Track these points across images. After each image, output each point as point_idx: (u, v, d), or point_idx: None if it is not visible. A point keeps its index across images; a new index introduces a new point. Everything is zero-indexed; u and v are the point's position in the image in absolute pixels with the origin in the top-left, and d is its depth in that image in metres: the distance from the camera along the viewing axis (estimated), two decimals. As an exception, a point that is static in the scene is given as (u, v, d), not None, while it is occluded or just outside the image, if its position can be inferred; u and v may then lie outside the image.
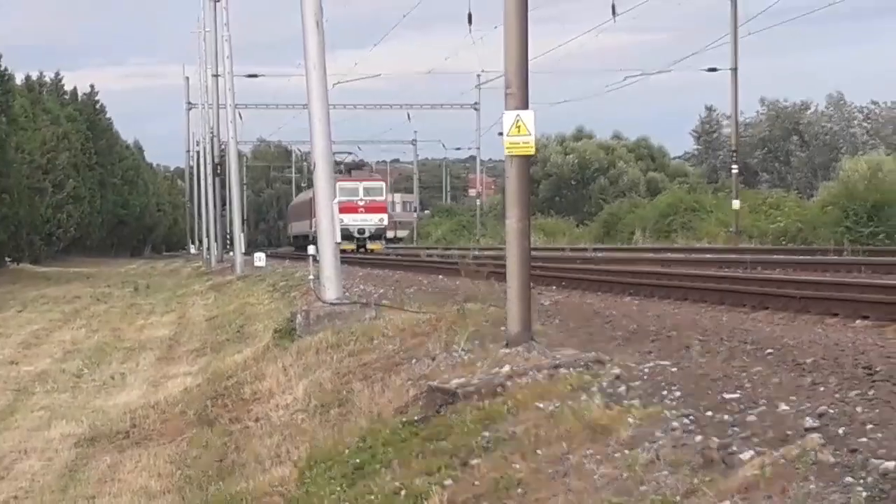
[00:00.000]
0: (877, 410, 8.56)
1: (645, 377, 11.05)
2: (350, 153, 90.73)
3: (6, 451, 18.58)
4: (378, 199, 77.73)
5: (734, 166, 61.83)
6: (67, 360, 29.81)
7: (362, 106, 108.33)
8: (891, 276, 24.88)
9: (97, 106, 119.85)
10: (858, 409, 8.64)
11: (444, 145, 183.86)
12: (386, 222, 79.02)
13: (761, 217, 61.42)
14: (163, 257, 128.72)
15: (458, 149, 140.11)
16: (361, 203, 74.60)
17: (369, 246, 73.43)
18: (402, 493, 9.98)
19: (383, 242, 77.91)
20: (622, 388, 10.73)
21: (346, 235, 67.86)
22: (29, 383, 26.01)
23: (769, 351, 12.40)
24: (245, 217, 72.15)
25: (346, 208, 67.73)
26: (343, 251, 63.77)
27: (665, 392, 10.21)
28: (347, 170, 78.77)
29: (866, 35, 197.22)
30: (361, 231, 74.41)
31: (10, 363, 29.60)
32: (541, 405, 10.78)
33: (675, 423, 9.05)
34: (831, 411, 8.49)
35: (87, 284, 63.80)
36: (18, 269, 79.80)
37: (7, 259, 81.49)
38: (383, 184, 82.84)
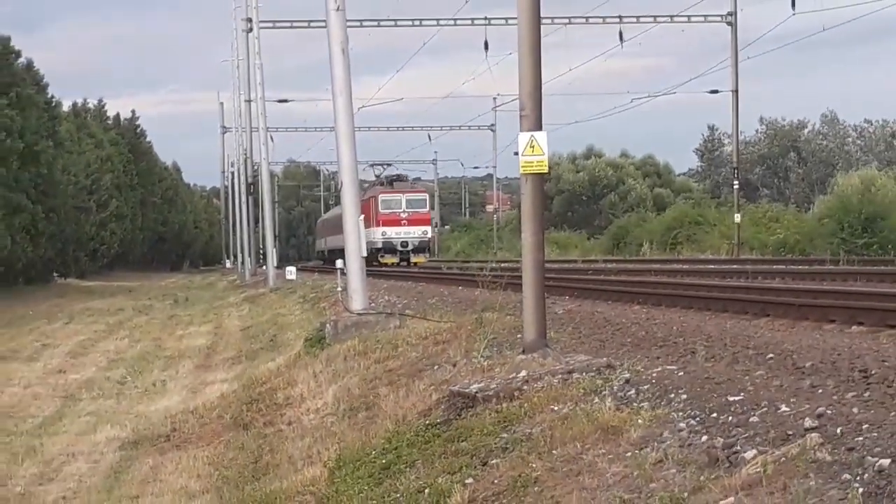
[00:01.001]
0: (872, 411, 8.53)
1: (653, 381, 11.02)
2: (390, 164, 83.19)
3: (55, 454, 18.62)
4: (421, 210, 71.09)
5: (735, 182, 61.76)
6: (112, 369, 29.87)
7: (385, 128, 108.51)
8: (884, 284, 24.83)
9: (138, 130, 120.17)
10: (855, 409, 8.61)
11: (462, 164, 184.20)
12: (430, 234, 72.97)
13: (762, 230, 61.32)
14: (200, 271, 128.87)
15: (476, 167, 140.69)
16: (404, 215, 68.93)
17: (413, 259, 67.81)
18: (426, 491, 9.98)
19: (427, 255, 71.61)
20: (632, 392, 10.72)
21: (389, 249, 67.70)
22: (76, 390, 26.07)
23: (770, 356, 12.38)
24: (277, 233, 71.26)
25: (388, 221, 67.85)
26: (385, 265, 60.38)
27: (672, 395, 10.19)
28: (389, 182, 73.23)
29: (857, 59, 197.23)
30: (405, 244, 68.65)
31: (59, 371, 29.68)
32: (555, 408, 10.77)
33: (681, 425, 9.04)
34: (829, 412, 8.47)
35: (129, 297, 63.92)
36: (65, 283, 80.00)
37: (55, 274, 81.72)
38: (427, 195, 75.99)
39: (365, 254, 25.63)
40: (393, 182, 72.60)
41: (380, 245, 67.19)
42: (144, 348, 35.10)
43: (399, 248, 68.12)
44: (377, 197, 68.83)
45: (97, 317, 49.13)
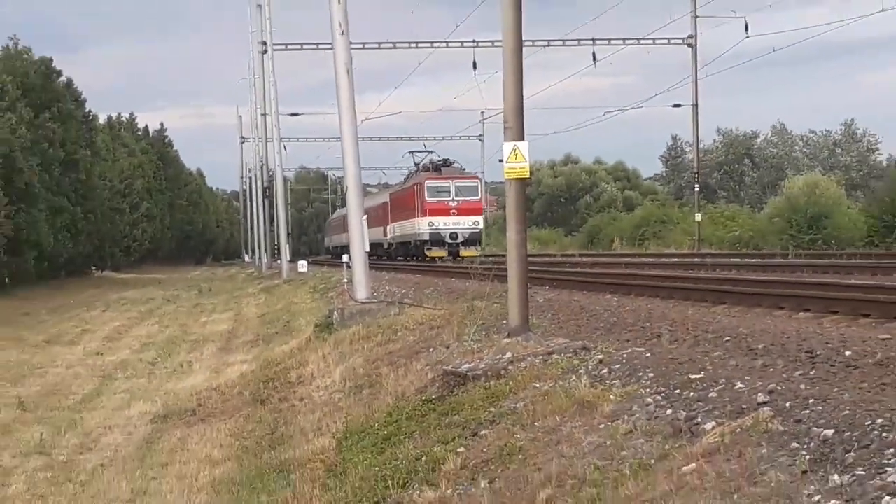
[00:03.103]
0: (817, 387, 8.55)
1: (623, 361, 11.03)
2: (432, 151, 65.44)
3: (94, 427, 18.61)
4: (473, 199, 55.96)
5: (696, 185, 61.83)
6: (143, 351, 29.85)
7: (386, 138, 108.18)
8: (828, 275, 24.84)
9: (166, 140, 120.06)
10: (802, 386, 8.62)
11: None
12: (481, 226, 57.06)
13: (719, 227, 61.34)
14: (222, 265, 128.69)
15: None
16: (454, 204, 54.71)
17: (462, 253, 53.02)
18: (423, 459, 9.98)
19: (479, 248, 55.58)
20: (605, 371, 10.73)
21: (437, 241, 54.70)
22: (112, 371, 26.06)
23: (727, 339, 12.38)
24: (289, 231, 70.58)
25: (436, 210, 54.61)
26: (433, 259, 53.33)
27: (640, 374, 10.20)
28: (436, 167, 58.12)
29: (803, 76, 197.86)
30: (454, 236, 54.35)
31: (96, 354, 29.67)
32: (537, 385, 10.78)
33: (649, 400, 9.05)
34: (779, 388, 8.48)
35: (159, 288, 63.86)
36: (102, 276, 79.97)
37: (93, 268, 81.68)
38: (479, 182, 59.37)
39: (367, 249, 25.64)
40: (440, 167, 57.90)
41: (426, 237, 55.14)
42: (172, 333, 35.07)
43: (448, 240, 54.55)
44: (423, 184, 55.85)
45: (130, 305, 49.13)
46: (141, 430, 18.04)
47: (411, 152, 65.46)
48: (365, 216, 25.83)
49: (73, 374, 25.84)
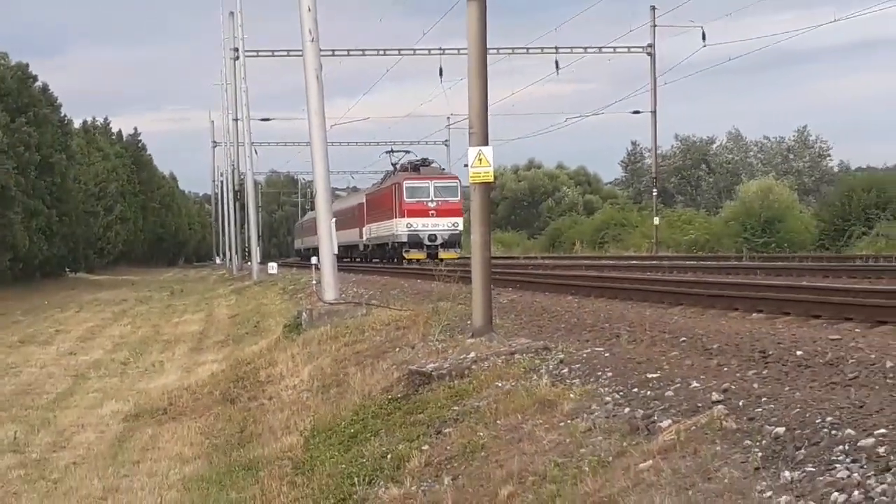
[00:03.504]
0: (770, 386, 8.58)
1: (583, 361, 11.05)
2: (408, 151, 62.99)
3: (66, 426, 18.50)
4: (452, 200, 52.91)
5: (654, 190, 62.07)
6: (116, 351, 29.70)
7: (354, 143, 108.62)
8: (780, 277, 24.97)
9: (139, 144, 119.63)
10: (755, 385, 8.66)
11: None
12: (461, 227, 52.35)
13: (676, 231, 61.68)
14: (193, 267, 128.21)
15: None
16: (432, 205, 51.83)
17: (441, 255, 48.75)
18: (388, 456, 9.97)
19: (458, 250, 52.05)
20: (565, 370, 10.74)
21: (416, 243, 51.92)
22: (85, 370, 25.91)
23: (683, 339, 12.42)
24: (260, 233, 70.17)
25: (414, 211, 51.93)
26: (410, 261, 49.71)
27: (599, 373, 10.21)
28: (414, 167, 55.50)
29: (757, 84, 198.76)
30: (433, 238, 51.48)
31: (70, 354, 29.50)
32: (500, 384, 10.77)
33: (607, 398, 9.06)
34: (733, 387, 8.51)
35: (132, 290, 63.58)
36: (76, 277, 79.57)
37: (67, 269, 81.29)
38: (458, 182, 54.35)
39: (336, 252, 25.60)
40: (419, 167, 55.15)
41: (405, 238, 52.43)
42: (145, 333, 34.92)
43: (426, 242, 51.67)
44: (401, 184, 53.14)
45: (104, 306, 48.88)
46: (113, 429, 17.94)
47: (388, 152, 62.81)
48: (334, 219, 25.79)
49: (47, 373, 25.67)
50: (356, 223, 64.17)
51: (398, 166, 57.62)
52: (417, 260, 50.06)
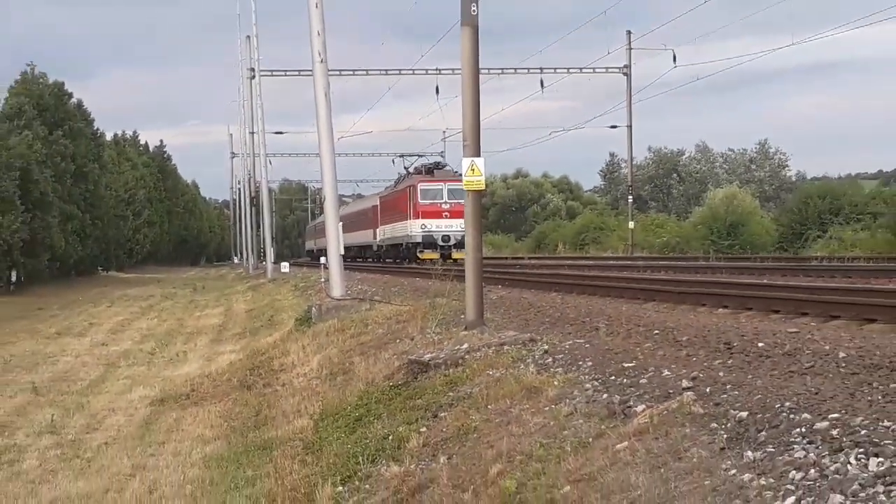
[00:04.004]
0: (734, 374, 8.58)
1: (566, 351, 11.04)
2: (421, 155, 57.95)
3: (99, 409, 18.49)
4: (464, 201, 37.94)
5: (630, 196, 61.98)
6: (144, 342, 29.68)
7: (359, 154, 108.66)
8: (743, 276, 24.96)
9: (165, 155, 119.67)
10: (721, 373, 8.65)
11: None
12: None
13: (650, 234, 61.66)
14: (214, 266, 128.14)
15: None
16: (446, 206, 48.19)
17: (454, 255, 45.89)
18: (390, 437, 9.96)
19: None
20: (549, 360, 10.73)
21: (429, 243, 48.55)
22: (115, 359, 25.90)
23: (656, 332, 12.41)
24: (274, 236, 70.00)
25: (428, 212, 48.81)
26: (423, 261, 44.56)
27: (580, 362, 10.21)
28: (428, 170, 52.03)
29: (723, 101, 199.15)
30: (446, 238, 47.91)
31: (102, 345, 29.50)
32: (490, 372, 10.77)
33: (587, 385, 9.05)
34: (701, 375, 8.51)
35: (158, 287, 63.52)
36: (107, 275, 79.53)
37: (99, 268, 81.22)
38: None
39: (342, 252, 25.58)
40: (433, 170, 51.67)
41: (419, 239, 48.93)
42: (170, 326, 34.90)
43: (440, 242, 48.03)
44: (416, 186, 49.64)
45: (132, 302, 48.83)
46: (141, 412, 17.93)
47: (401, 156, 58.36)
48: (341, 223, 25.78)
49: (81, 362, 25.66)
50: (370, 225, 61.87)
51: (412, 169, 53.89)
52: (431, 260, 45.24)
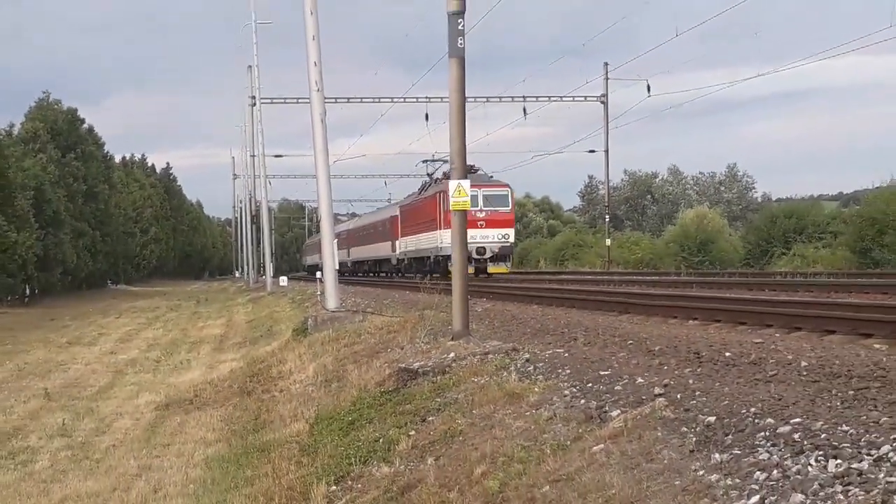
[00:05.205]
0: (703, 382, 8.60)
1: (546, 360, 11.05)
2: (445, 161, 43.26)
3: (107, 413, 18.42)
4: (503, 209, 40.72)
5: (607, 216, 62.05)
6: (150, 351, 29.60)
7: (353, 176, 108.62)
8: (712, 290, 24.99)
9: (171, 176, 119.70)
10: (691, 381, 8.67)
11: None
12: (512, 239, 41.70)
13: (625, 250, 61.66)
14: (216, 280, 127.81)
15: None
16: (482, 215, 39.65)
17: (491, 269, 40.06)
18: (381, 440, 9.94)
19: (509, 264, 41.77)
20: (531, 368, 10.74)
21: None
22: (123, 367, 25.81)
23: (630, 342, 12.44)
24: (273, 252, 69.99)
25: None
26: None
27: (560, 370, 10.22)
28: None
29: (693, 128, 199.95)
30: (481, 251, 39.66)
31: (110, 353, 29.41)
32: (475, 379, 10.77)
33: (566, 392, 9.06)
34: (672, 383, 8.52)
35: (164, 299, 63.36)
36: (116, 288, 79.29)
37: (109, 282, 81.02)
38: (509, 190, 42.01)
39: (337, 267, 25.55)
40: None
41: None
42: (174, 336, 34.80)
43: (474, 255, 39.15)
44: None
45: (140, 313, 48.71)
46: (147, 417, 17.87)
47: (425, 161, 49.54)
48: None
49: (91, 369, 25.57)
50: (387, 237, 54.13)
51: (439, 175, 44.58)
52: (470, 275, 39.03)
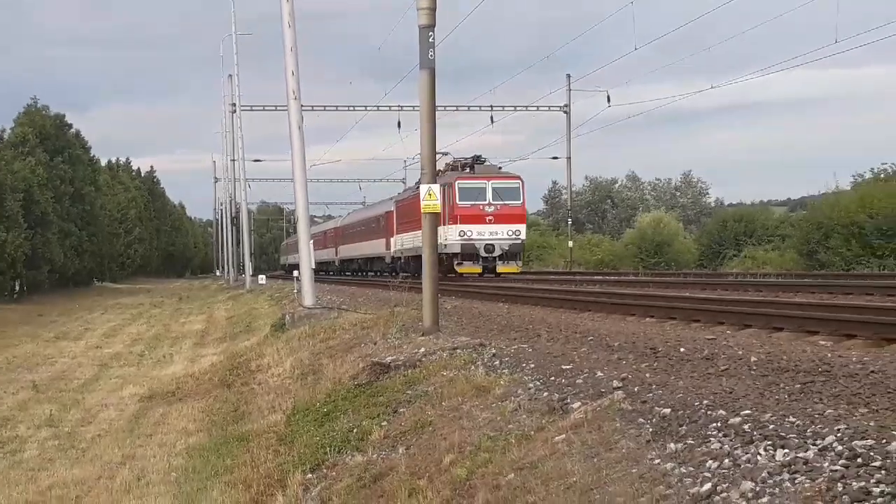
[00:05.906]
0: (659, 376, 8.64)
1: (511, 355, 11.07)
2: (446, 153, 39.26)
3: (92, 405, 18.31)
4: (513, 203, 35.66)
5: (569, 219, 62.31)
6: (134, 345, 29.43)
7: (329, 180, 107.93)
8: (668, 289, 25.10)
9: (155, 179, 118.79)
10: (647, 375, 8.71)
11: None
12: (524, 236, 36.20)
13: (587, 252, 61.88)
14: (198, 278, 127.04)
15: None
16: (490, 209, 35.10)
17: (500, 269, 35.21)
18: (354, 430, 9.93)
19: (519, 264, 36.32)
20: (497, 362, 10.75)
21: (470, 254, 35.24)
22: (108, 360, 25.66)
23: (591, 338, 12.48)
24: (252, 252, 69.58)
25: (469, 216, 35.12)
26: (462, 275, 34.58)
27: (524, 365, 10.23)
28: (465, 165, 37.28)
29: (651, 136, 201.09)
30: (489, 248, 34.92)
31: (96, 347, 29.22)
32: (444, 373, 10.77)
33: (530, 385, 9.08)
34: (630, 377, 8.56)
35: (147, 296, 63.00)
36: (102, 286, 78.69)
37: (94, 279, 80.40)
38: (520, 182, 36.52)
39: (314, 266, 25.48)
40: (472, 165, 36.96)
41: (457, 249, 35.25)
42: (157, 331, 34.61)
43: (482, 253, 35.01)
44: (453, 185, 35.24)
45: (124, 309, 48.40)
46: (131, 408, 17.77)
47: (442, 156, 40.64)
48: (312, 240, 25.70)
49: (77, 363, 25.39)
50: (381, 234, 49.21)
51: (453, 164, 38.56)
52: (475, 274, 35.25)
